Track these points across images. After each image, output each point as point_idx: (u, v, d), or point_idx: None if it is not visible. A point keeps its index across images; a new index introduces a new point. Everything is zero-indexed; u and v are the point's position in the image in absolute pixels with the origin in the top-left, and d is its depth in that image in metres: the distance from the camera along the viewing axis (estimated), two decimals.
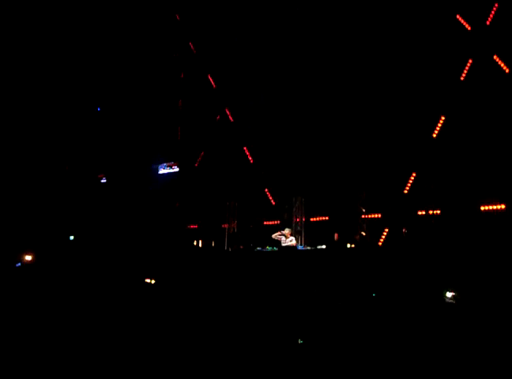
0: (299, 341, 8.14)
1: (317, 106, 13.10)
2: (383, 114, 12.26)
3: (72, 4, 14.69)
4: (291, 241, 11.72)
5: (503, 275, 8.08)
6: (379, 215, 12.14)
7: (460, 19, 11.82)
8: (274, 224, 13.36)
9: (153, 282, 11.86)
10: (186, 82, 15.62)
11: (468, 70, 11.66)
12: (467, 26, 11.75)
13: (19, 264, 12.93)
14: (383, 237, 11.94)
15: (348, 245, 11.71)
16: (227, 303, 9.65)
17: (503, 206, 10.32)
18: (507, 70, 10.94)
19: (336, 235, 12.04)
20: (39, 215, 14.68)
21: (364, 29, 12.63)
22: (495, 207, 10.33)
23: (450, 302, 8.30)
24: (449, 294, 8.35)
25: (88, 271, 12.22)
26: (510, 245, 8.73)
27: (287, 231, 11.80)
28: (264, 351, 7.49)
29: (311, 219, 13.06)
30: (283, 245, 11.69)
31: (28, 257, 13.11)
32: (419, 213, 11.58)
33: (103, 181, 16.36)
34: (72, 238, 15.30)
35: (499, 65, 11.09)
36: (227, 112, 14.54)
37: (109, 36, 15.02)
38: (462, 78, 11.69)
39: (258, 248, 12.20)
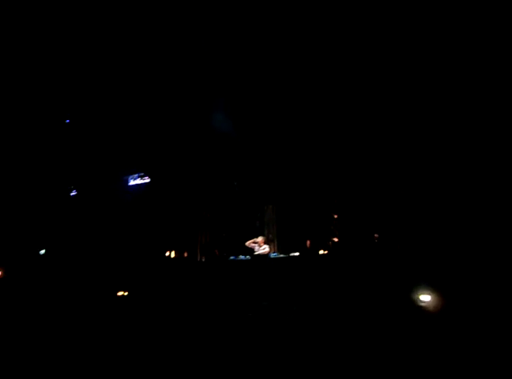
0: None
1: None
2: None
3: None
4: (264, 249, 11.75)
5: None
6: (351, 221, 12.23)
7: None
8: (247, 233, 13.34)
9: (126, 294, 11.75)
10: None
11: None
12: None
13: None
14: (355, 242, 12.02)
15: (321, 252, 11.80)
16: (200, 312, 9.60)
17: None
18: None
19: (308, 242, 12.11)
20: (8, 229, 14.43)
21: None
22: None
23: (423, 304, 8.39)
24: (423, 297, 8.44)
25: (59, 284, 12.05)
26: None
27: (260, 239, 11.83)
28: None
29: (284, 227, 13.10)
30: (256, 253, 11.71)
31: None
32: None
33: (73, 193, 16.18)
34: (42, 252, 15.07)
35: None
36: None
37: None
38: None
39: (232, 257, 12.21)
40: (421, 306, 8.35)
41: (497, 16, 9.84)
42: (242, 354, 7.14)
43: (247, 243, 11.94)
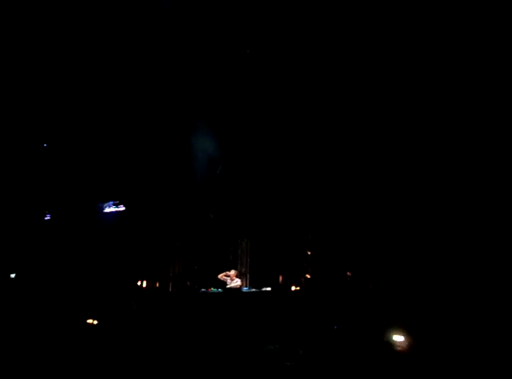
0: None
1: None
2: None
3: None
4: (236, 282, 11.73)
5: None
6: (324, 258, 12.27)
7: None
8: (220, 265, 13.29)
9: (95, 322, 11.57)
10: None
11: None
12: None
13: None
14: (328, 280, 12.05)
15: (293, 288, 11.80)
16: (169, 343, 9.49)
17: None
18: None
19: (280, 277, 12.12)
20: None
21: None
22: None
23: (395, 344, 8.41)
24: (396, 338, 8.44)
25: (27, 310, 11.81)
26: None
27: (232, 273, 11.83)
28: None
29: (257, 261, 13.10)
30: (228, 286, 11.68)
31: None
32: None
33: (46, 217, 15.98)
34: (13, 275, 14.81)
35: None
36: None
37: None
38: None
39: (203, 289, 12.13)
40: (394, 346, 8.36)
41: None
42: None
43: (220, 276, 11.92)
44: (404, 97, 11.32)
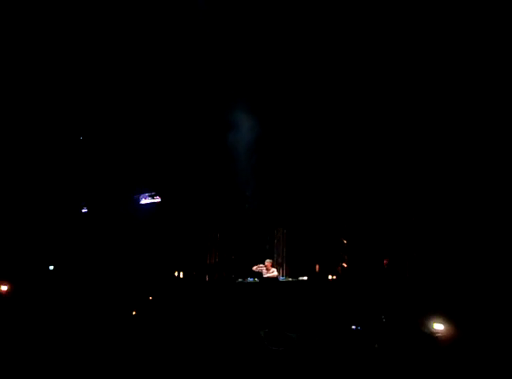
0: None
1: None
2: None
3: None
4: (272, 272, 11.72)
5: None
6: (361, 247, 12.21)
7: None
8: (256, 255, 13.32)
9: (134, 313, 11.72)
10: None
11: None
12: None
13: None
14: (364, 268, 11.99)
15: (330, 277, 11.77)
16: (207, 334, 9.56)
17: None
18: None
19: (317, 266, 12.08)
20: (19, 244, 14.48)
21: None
22: None
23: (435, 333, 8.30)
24: (437, 327, 8.35)
25: (67, 302, 12.03)
26: None
27: (267, 262, 11.80)
28: None
29: (293, 251, 13.09)
30: (265, 276, 11.68)
31: (4, 287, 12.85)
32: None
33: (84, 210, 16.22)
34: (51, 267, 15.08)
35: None
36: None
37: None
38: None
39: (240, 279, 12.19)
40: (434, 335, 8.25)
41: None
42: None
43: (254, 268, 11.91)
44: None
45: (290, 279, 11.74)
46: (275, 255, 12.80)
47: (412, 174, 11.53)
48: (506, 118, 10.22)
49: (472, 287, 9.19)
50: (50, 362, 7.90)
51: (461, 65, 10.61)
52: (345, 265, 11.90)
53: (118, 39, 13.70)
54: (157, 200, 15.16)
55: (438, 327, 8.28)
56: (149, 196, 15.34)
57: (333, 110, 12.42)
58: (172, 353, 8.60)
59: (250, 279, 12.01)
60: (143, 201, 15.46)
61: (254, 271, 11.86)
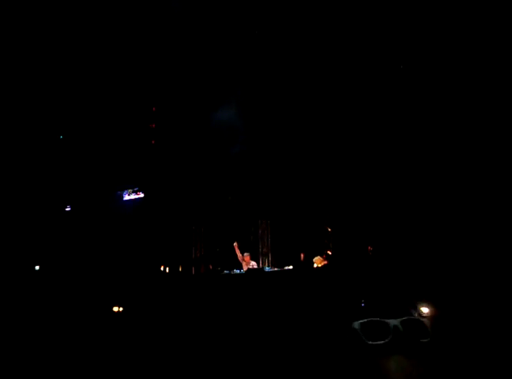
0: None
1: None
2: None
3: None
4: (252, 266, 11.74)
5: None
6: (345, 234, 12.27)
7: None
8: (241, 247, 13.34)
9: (121, 309, 11.69)
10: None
11: None
12: None
13: None
14: (349, 255, 12.06)
15: (315, 265, 11.80)
16: (196, 325, 9.57)
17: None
18: None
19: (302, 255, 12.11)
20: (2, 244, 14.38)
21: None
22: None
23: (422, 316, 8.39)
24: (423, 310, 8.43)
25: (52, 300, 11.99)
26: None
27: (246, 256, 11.80)
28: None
29: (277, 241, 13.13)
30: (245, 269, 11.70)
31: None
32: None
33: (67, 208, 16.17)
34: (37, 267, 15.02)
35: None
36: None
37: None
38: None
39: (226, 271, 12.19)
40: (421, 318, 8.33)
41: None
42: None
43: (235, 244, 11.88)
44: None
45: (276, 269, 11.75)
46: (260, 246, 12.83)
47: (394, 161, 11.60)
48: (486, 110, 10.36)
49: (455, 271, 9.30)
50: (35, 360, 7.86)
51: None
52: (330, 253, 11.94)
53: (91, 33, 13.62)
54: (140, 195, 15.13)
55: (425, 310, 8.38)
56: (133, 191, 15.30)
57: (312, 99, 12.45)
58: (163, 349, 8.59)
59: (236, 271, 12.01)
60: (126, 197, 15.42)
61: (239, 262, 11.87)
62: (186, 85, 13.58)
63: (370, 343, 6.67)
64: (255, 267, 11.71)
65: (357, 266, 11.45)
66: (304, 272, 11.27)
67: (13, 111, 14.85)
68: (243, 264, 11.66)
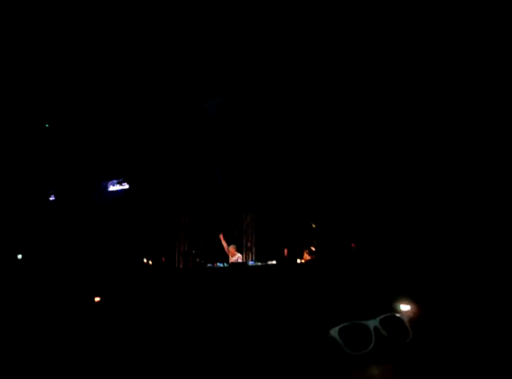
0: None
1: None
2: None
3: None
4: (237, 258, 11.77)
5: None
6: (329, 231, 12.30)
7: None
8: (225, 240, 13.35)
9: (101, 300, 11.65)
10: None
11: None
12: None
13: None
14: (333, 251, 12.10)
15: (299, 260, 11.83)
16: (178, 318, 9.55)
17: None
18: None
19: (285, 251, 12.14)
20: None
21: None
22: None
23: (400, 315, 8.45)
24: (403, 307, 8.52)
25: (35, 290, 11.91)
26: None
27: (231, 248, 11.82)
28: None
29: (261, 235, 13.15)
30: (231, 261, 11.73)
31: None
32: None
33: (51, 198, 16.05)
34: (20, 256, 14.92)
35: None
36: None
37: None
38: None
39: (209, 264, 12.19)
40: (401, 316, 8.41)
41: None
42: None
43: (221, 236, 11.90)
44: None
45: (259, 264, 11.77)
46: (244, 240, 12.84)
47: (378, 156, 11.63)
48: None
49: (438, 268, 9.34)
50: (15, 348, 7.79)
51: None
52: (314, 249, 11.97)
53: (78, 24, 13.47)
54: (125, 186, 15.05)
55: (405, 308, 8.43)
56: (117, 182, 15.22)
57: (297, 94, 12.42)
58: (142, 341, 8.55)
59: (219, 264, 12.02)
60: (111, 188, 15.33)
61: (223, 255, 11.89)
62: (173, 74, 13.48)
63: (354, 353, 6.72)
64: (239, 260, 11.72)
65: (340, 262, 11.51)
66: (288, 267, 11.30)
67: None
68: (229, 255, 11.70)
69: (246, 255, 12.22)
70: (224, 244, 11.93)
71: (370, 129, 11.81)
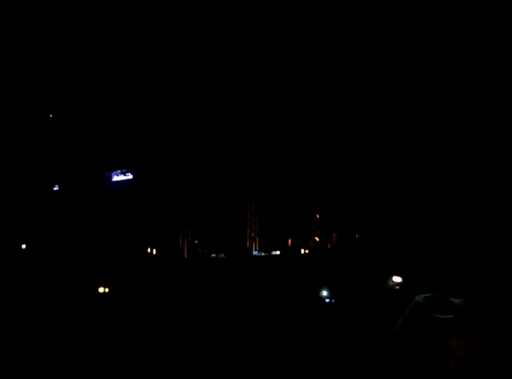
0: None
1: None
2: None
3: None
4: None
5: None
6: (333, 221, 12.27)
7: None
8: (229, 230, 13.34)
9: (107, 290, 11.71)
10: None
11: None
12: None
13: None
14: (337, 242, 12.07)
15: (303, 251, 11.83)
16: (187, 305, 9.58)
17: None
18: None
19: (289, 241, 12.13)
20: None
21: None
22: None
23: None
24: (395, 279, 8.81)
25: (40, 279, 11.96)
26: None
27: None
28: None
29: (265, 226, 13.11)
30: None
31: None
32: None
33: (55, 188, 16.04)
34: (24, 246, 14.96)
35: None
36: None
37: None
38: None
39: (213, 254, 12.21)
40: (394, 287, 8.68)
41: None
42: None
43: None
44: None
45: (263, 254, 11.78)
46: (248, 230, 12.82)
47: (382, 147, 11.59)
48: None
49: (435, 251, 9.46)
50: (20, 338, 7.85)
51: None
52: (318, 239, 11.96)
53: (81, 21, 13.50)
54: (129, 177, 15.03)
55: (397, 279, 8.70)
56: (121, 173, 15.20)
57: (301, 87, 12.40)
58: (146, 330, 8.59)
59: (223, 255, 12.05)
60: (115, 178, 15.32)
61: (227, 245, 11.89)
62: (179, 74, 13.51)
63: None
64: None
65: (344, 253, 11.52)
66: (291, 257, 11.31)
67: (2, 90, 14.70)
68: None
69: (250, 245, 12.19)
70: None
71: (374, 121, 11.78)
